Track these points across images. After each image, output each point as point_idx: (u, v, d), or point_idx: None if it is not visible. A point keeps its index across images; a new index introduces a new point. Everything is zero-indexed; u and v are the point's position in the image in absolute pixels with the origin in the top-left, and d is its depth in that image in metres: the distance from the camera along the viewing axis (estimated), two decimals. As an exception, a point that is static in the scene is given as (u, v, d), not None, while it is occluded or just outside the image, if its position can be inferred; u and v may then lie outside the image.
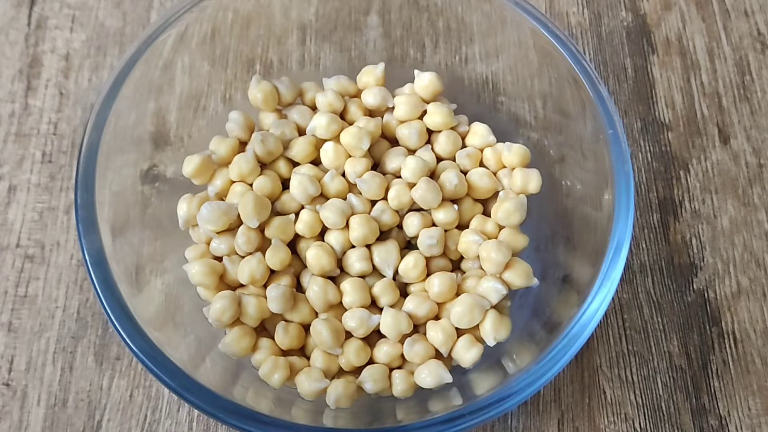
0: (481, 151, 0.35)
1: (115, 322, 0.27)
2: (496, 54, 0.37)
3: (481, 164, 0.35)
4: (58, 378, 0.35)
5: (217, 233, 0.32)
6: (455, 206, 0.33)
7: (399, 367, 0.31)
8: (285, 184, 0.33)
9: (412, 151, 0.34)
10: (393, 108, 0.35)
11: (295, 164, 0.34)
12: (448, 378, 0.30)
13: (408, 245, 0.33)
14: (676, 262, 0.38)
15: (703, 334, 0.37)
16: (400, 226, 0.33)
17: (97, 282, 0.27)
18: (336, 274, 0.32)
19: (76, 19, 0.43)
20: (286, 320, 0.31)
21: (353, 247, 0.32)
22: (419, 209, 0.33)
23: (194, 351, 0.30)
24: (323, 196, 0.33)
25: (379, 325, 0.30)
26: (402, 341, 0.31)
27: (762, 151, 0.41)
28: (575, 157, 0.34)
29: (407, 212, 0.33)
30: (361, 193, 0.33)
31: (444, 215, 0.32)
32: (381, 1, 0.38)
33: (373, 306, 0.32)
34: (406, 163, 0.32)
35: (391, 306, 0.31)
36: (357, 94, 0.36)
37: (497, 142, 0.35)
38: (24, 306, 0.36)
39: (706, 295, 0.37)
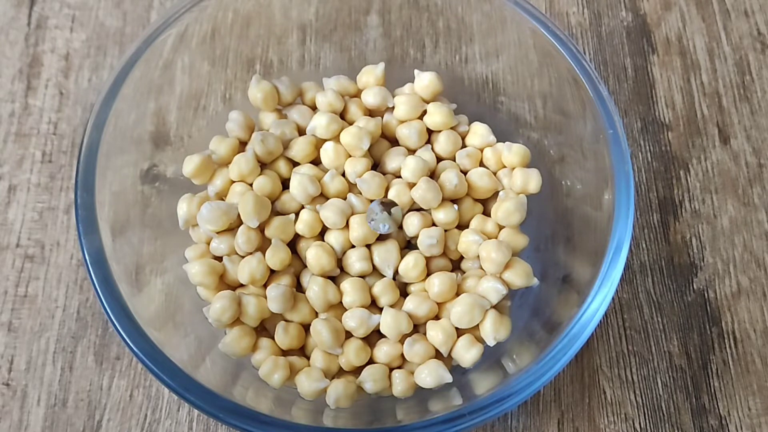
0: (481, 151, 0.35)
1: (115, 322, 0.27)
2: (496, 54, 0.37)
3: (481, 164, 0.35)
4: (58, 378, 0.35)
5: (217, 233, 0.32)
6: (455, 206, 0.33)
7: (399, 367, 0.31)
8: (285, 184, 0.33)
9: (412, 151, 0.34)
10: (393, 108, 0.35)
11: (295, 164, 0.34)
12: (448, 378, 0.30)
13: (408, 245, 0.33)
14: (676, 262, 0.38)
15: (703, 334, 0.37)
16: (400, 226, 0.33)
17: (97, 282, 0.27)
18: (336, 274, 0.32)
19: (76, 19, 0.43)
20: (286, 320, 0.31)
21: (353, 247, 0.32)
22: (419, 209, 0.33)
23: (194, 351, 0.30)
24: (323, 196, 0.33)
25: (379, 325, 0.30)
26: (402, 341, 0.31)
27: (762, 151, 0.41)
28: (575, 157, 0.34)
29: (407, 212, 0.33)
30: (361, 193, 0.33)
31: (444, 215, 0.32)
32: (381, 1, 0.38)
33: (373, 306, 0.32)
34: (406, 163, 0.32)
35: (391, 306, 0.31)
36: (357, 94, 0.36)
37: (497, 142, 0.35)
38: (24, 306, 0.36)
39: (706, 295, 0.37)
